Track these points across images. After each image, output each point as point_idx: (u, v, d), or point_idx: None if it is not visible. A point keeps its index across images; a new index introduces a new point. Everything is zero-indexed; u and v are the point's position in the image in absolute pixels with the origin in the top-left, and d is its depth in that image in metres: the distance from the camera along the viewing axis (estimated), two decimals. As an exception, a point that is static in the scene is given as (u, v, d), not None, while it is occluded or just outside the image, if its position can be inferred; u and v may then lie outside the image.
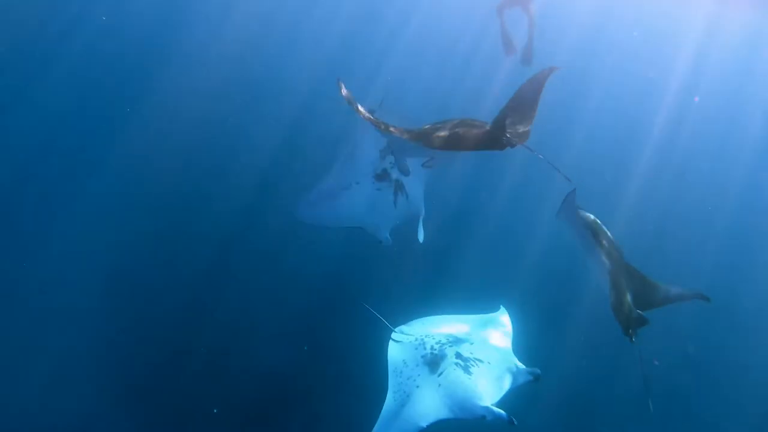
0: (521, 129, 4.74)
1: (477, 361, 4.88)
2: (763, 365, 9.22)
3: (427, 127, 5.33)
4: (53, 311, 7.12)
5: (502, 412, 4.51)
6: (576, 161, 9.87)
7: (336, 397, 6.91)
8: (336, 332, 7.31)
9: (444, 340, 5.15)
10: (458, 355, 4.95)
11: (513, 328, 5.53)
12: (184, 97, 9.48)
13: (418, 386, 4.82)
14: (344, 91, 5.03)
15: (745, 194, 12.54)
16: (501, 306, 5.87)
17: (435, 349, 5.06)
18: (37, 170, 8.46)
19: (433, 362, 4.96)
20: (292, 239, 7.95)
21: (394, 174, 6.39)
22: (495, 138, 4.68)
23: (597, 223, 5.18)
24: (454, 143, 4.90)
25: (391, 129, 5.20)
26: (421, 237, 6.38)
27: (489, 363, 4.88)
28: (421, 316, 5.80)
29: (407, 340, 5.29)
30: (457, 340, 5.15)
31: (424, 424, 4.50)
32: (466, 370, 4.83)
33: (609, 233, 5.16)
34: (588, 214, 5.20)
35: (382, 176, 6.39)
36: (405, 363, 5.08)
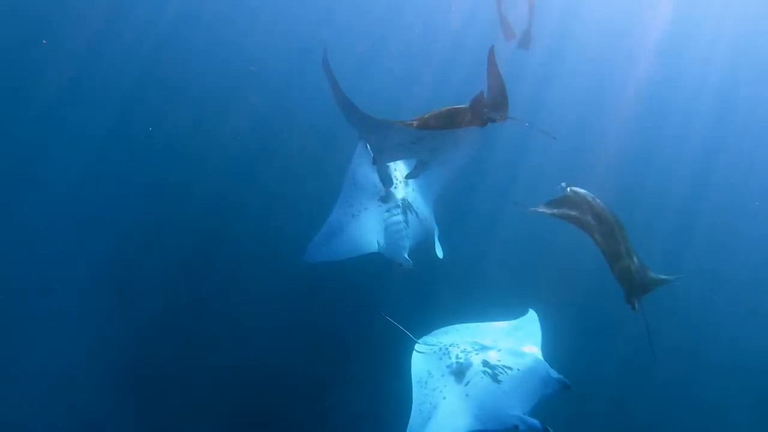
0: (499, 105, 4.59)
1: (505, 369, 4.65)
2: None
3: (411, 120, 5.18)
4: (47, 309, 7.08)
5: (535, 421, 4.27)
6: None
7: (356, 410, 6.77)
8: (356, 344, 7.14)
9: (469, 348, 4.93)
10: (485, 363, 4.71)
11: (542, 332, 5.30)
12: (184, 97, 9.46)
13: (444, 397, 4.59)
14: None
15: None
16: (530, 309, 5.63)
17: (460, 358, 4.83)
18: (34, 170, 8.46)
19: (459, 372, 4.73)
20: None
21: (399, 193, 6.28)
22: (475, 114, 4.56)
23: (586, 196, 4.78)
24: (439, 123, 4.74)
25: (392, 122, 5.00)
26: (440, 253, 6.29)
27: (518, 370, 4.64)
28: (444, 326, 5.61)
29: (431, 350, 5.07)
30: (483, 348, 4.92)
31: None
32: (495, 378, 4.59)
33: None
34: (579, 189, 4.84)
35: (387, 198, 6.23)
36: (430, 374, 4.86)
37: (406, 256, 6.05)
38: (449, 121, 4.70)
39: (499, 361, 4.72)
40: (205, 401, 6.68)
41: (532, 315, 5.55)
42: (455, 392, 4.60)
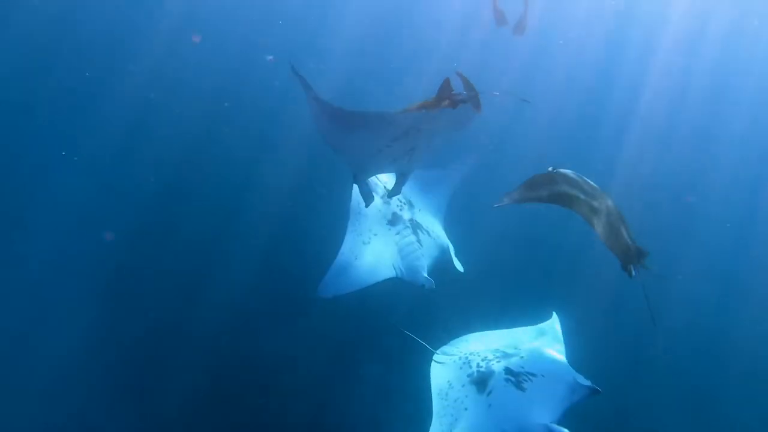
0: (468, 90, 4.45)
1: (529, 376, 4.43)
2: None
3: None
4: (45, 309, 7.05)
5: (564, 430, 4.04)
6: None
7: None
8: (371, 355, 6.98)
9: (490, 356, 4.71)
10: (508, 371, 4.50)
11: (564, 338, 5.07)
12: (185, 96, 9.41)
13: (466, 408, 4.38)
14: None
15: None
16: (553, 313, 5.42)
17: (481, 367, 4.62)
18: (38, 173, 8.42)
19: (481, 381, 4.52)
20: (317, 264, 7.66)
21: (406, 214, 6.17)
22: (441, 97, 4.42)
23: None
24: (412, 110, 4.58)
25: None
26: (459, 266, 6.14)
27: (543, 376, 4.42)
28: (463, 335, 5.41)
29: (450, 360, 4.86)
30: (504, 355, 4.71)
31: None
32: (518, 386, 4.38)
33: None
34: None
35: (394, 221, 6.12)
36: (450, 385, 4.65)
37: (426, 275, 5.89)
38: (422, 108, 4.55)
39: (523, 367, 4.51)
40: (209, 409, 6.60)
41: (553, 319, 5.33)
42: (477, 403, 4.39)
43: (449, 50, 10.61)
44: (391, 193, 5.26)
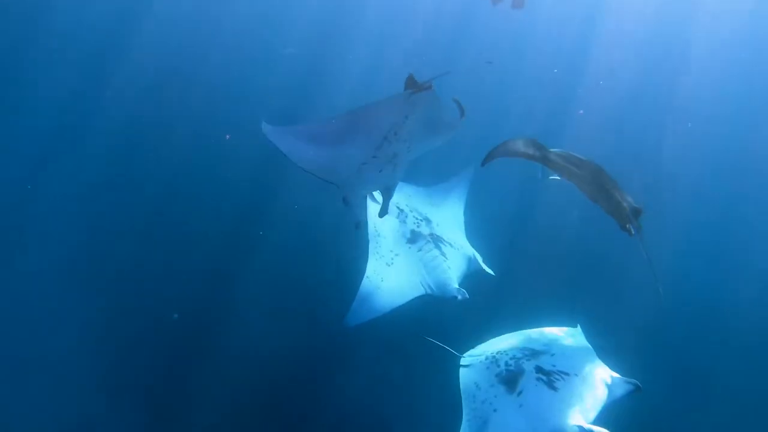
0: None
1: (562, 374, 4.20)
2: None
3: None
4: (45, 309, 6.95)
5: (603, 430, 3.81)
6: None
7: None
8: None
9: (519, 355, 4.49)
10: (539, 369, 4.28)
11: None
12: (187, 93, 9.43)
13: (495, 410, 4.16)
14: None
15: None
16: (578, 325, 5.15)
17: (510, 365, 4.41)
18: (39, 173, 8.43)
19: (510, 380, 4.30)
20: (332, 272, 7.52)
21: (425, 230, 6.13)
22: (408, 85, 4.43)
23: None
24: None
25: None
26: (490, 271, 6.12)
27: (576, 375, 4.20)
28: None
29: (477, 361, 4.65)
30: (534, 353, 4.48)
31: None
32: (551, 385, 4.16)
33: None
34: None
35: (414, 238, 6.08)
36: (477, 386, 4.43)
37: (458, 286, 5.80)
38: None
39: (554, 366, 4.29)
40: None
41: (578, 330, 5.06)
42: (507, 403, 4.17)
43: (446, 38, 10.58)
44: (381, 213, 5.02)
